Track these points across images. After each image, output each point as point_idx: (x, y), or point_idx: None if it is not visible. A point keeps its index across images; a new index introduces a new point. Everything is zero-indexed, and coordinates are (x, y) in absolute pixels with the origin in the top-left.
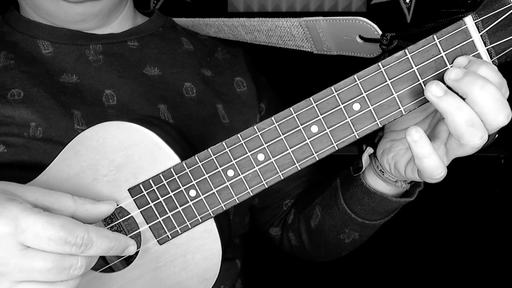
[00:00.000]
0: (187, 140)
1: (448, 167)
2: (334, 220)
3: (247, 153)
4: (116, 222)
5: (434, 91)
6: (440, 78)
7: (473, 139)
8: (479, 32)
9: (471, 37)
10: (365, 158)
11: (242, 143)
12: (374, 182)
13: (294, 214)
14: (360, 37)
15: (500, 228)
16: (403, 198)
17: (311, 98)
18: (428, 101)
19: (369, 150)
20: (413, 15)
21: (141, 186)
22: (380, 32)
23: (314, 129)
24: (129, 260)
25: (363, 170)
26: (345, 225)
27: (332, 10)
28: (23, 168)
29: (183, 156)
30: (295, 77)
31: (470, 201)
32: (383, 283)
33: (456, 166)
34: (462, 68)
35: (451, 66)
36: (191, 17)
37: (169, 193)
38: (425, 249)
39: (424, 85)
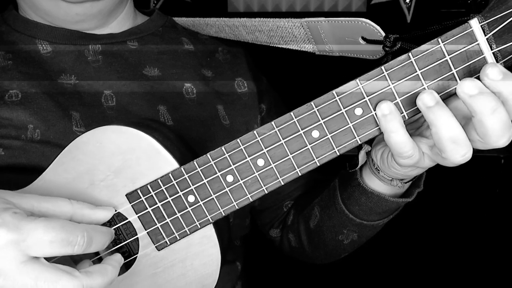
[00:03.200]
0: (186, 143)
1: (449, 167)
2: (333, 220)
3: (246, 158)
4: (115, 227)
5: (425, 99)
6: (442, 83)
7: (454, 155)
8: (485, 35)
9: (477, 41)
10: (361, 155)
11: (241, 148)
12: (371, 181)
13: (293, 215)
14: (363, 38)
15: (500, 228)
16: (401, 198)
17: (312, 103)
18: None
19: (366, 147)
20: (413, 15)
21: (139, 191)
22: (383, 34)
23: (315, 134)
24: (127, 265)
25: (358, 166)
26: (343, 225)
27: (332, 10)
28: (20, 171)
29: (182, 160)
30: (297, 77)
31: (470, 201)
32: (383, 284)
33: (456, 166)
34: (476, 81)
35: (456, 72)
36: (191, 17)
37: (167, 199)
38: (425, 249)
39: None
